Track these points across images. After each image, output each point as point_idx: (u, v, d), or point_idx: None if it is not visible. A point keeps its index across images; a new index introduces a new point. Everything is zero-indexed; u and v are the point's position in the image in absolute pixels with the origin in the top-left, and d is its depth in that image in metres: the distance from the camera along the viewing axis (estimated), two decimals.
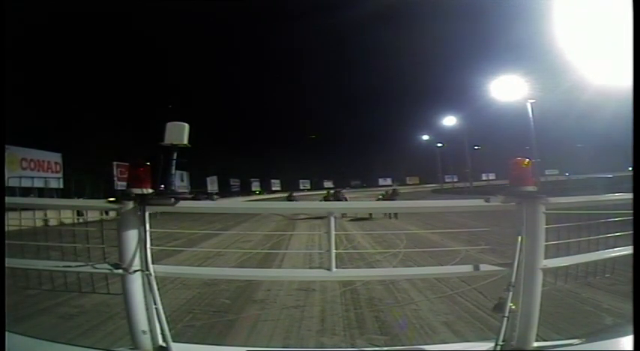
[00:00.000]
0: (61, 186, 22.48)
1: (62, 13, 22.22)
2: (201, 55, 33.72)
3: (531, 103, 22.95)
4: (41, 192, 20.84)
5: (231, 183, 40.55)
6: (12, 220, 2.20)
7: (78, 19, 23.81)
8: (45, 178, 21.74)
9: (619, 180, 22.37)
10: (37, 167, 21.57)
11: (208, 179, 37.34)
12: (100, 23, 25.50)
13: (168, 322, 1.77)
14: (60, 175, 22.90)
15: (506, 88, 23.81)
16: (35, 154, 21.45)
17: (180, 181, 30.77)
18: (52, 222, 2.83)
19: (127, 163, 16.63)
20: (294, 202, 12.11)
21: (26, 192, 19.89)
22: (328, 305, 4.14)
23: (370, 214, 13.96)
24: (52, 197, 20.32)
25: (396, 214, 13.64)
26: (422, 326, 3.53)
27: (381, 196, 19.30)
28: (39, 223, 2.74)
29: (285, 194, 29.30)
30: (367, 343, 3.28)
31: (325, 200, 15.10)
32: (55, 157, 22.68)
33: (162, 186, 19.27)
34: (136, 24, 26.63)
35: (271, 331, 3.53)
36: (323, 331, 3.53)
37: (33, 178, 21.08)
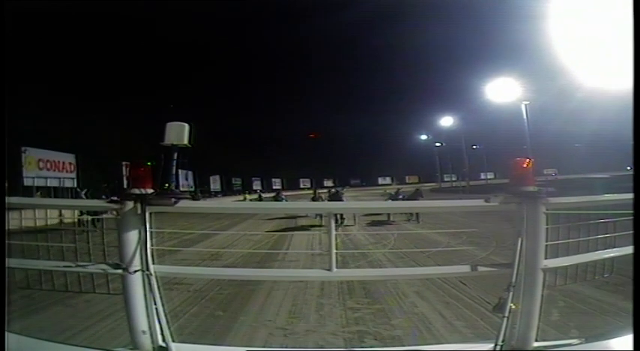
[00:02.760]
0: (75, 185, 23.76)
1: (70, 16, 22.70)
2: (203, 55, 33.86)
3: (526, 105, 23.44)
4: (56, 191, 22.35)
5: (233, 182, 41.05)
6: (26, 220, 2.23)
7: (85, 23, 24.34)
8: (60, 177, 23.30)
9: (609, 180, 22.45)
10: (52, 167, 23.13)
11: (211, 178, 37.99)
12: (104, 25, 25.95)
13: (167, 321, 1.77)
14: (74, 174, 24.33)
15: (504, 90, 24.13)
16: (51, 155, 22.98)
17: (184, 180, 32.12)
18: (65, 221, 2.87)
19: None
20: (291, 202, 10.91)
21: (42, 191, 21.27)
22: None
23: (388, 216, 12.44)
24: (66, 196, 21.24)
25: (417, 216, 11.90)
26: (397, 293, 4.56)
27: (400, 197, 15.52)
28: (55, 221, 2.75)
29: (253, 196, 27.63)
30: (355, 303, 4.28)
31: (313, 201, 12.91)
32: (69, 158, 24.17)
33: (167, 185, 19.85)
34: (141, 25, 26.98)
35: (282, 296, 4.54)
36: (322, 295, 4.53)
37: (39, 177, 22.21)
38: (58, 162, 23.54)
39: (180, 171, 30.27)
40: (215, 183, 38.35)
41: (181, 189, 30.26)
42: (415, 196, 14.89)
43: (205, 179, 37.15)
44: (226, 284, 4.84)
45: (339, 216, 10.34)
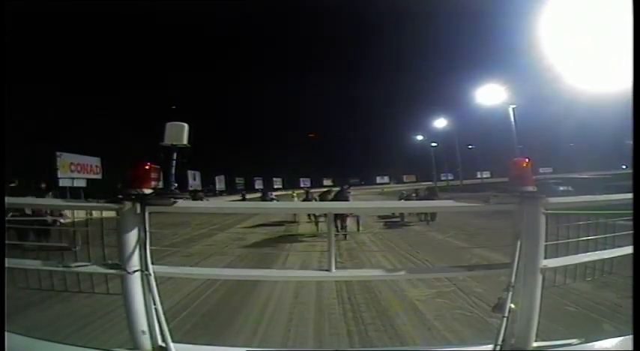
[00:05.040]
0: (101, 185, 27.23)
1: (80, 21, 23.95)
2: (208, 61, 34.30)
3: (514, 108, 25.42)
4: (86, 191, 26.12)
5: (237, 181, 41.81)
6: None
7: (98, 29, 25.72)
8: (88, 178, 27.48)
9: (589, 180, 22.61)
10: (82, 170, 27.31)
11: (217, 178, 38.96)
12: (114, 31, 27.15)
13: (167, 321, 1.77)
14: (99, 175, 28.24)
15: (497, 93, 26.24)
16: (80, 158, 27.19)
17: (193, 180, 35.49)
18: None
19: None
20: (290, 202, 10.33)
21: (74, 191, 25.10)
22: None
23: (402, 217, 12.05)
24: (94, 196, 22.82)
25: (433, 216, 11.17)
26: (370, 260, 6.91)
27: (414, 195, 14.93)
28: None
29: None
30: (343, 264, 6.20)
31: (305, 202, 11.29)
32: (95, 161, 28.17)
33: (176, 185, 21.03)
34: (148, 29, 27.94)
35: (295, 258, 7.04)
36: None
37: (70, 178, 26.25)
38: (86, 165, 27.52)
39: (188, 172, 32.25)
40: (220, 183, 39.73)
41: (190, 188, 33.48)
42: (430, 196, 13.76)
43: (211, 179, 38.29)
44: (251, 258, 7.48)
45: (339, 224, 9.50)
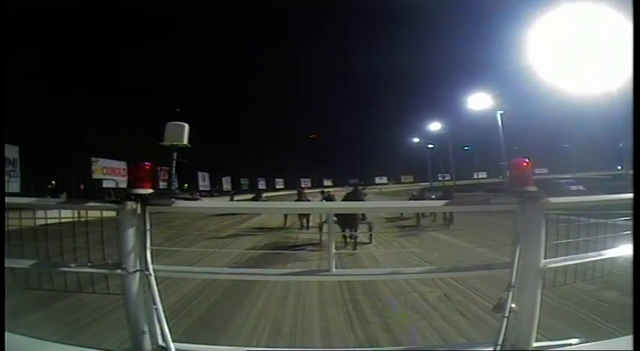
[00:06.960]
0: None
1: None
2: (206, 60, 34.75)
3: (501, 114, 26.78)
4: (117, 192, 27.65)
5: (241, 182, 42.86)
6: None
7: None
8: (117, 180, 29.90)
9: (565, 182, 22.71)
10: (112, 173, 30.60)
11: (223, 179, 40.53)
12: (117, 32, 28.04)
13: (167, 321, 1.77)
14: (125, 177, 27.40)
15: (488, 100, 27.62)
16: (111, 163, 30.46)
17: (202, 181, 38.25)
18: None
19: (166, 167, 21.45)
20: (289, 202, 9.36)
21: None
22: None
23: (418, 221, 10.98)
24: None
25: (450, 217, 9.95)
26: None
27: (433, 196, 13.55)
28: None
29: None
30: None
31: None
32: (122, 165, 30.92)
33: (186, 185, 22.70)
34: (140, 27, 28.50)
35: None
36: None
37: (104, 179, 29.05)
38: (115, 168, 30.77)
39: (199, 173, 35.48)
40: (227, 183, 41.35)
41: (200, 188, 35.88)
42: (446, 196, 11.31)
43: (218, 180, 39.49)
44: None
45: (347, 232, 7.68)
